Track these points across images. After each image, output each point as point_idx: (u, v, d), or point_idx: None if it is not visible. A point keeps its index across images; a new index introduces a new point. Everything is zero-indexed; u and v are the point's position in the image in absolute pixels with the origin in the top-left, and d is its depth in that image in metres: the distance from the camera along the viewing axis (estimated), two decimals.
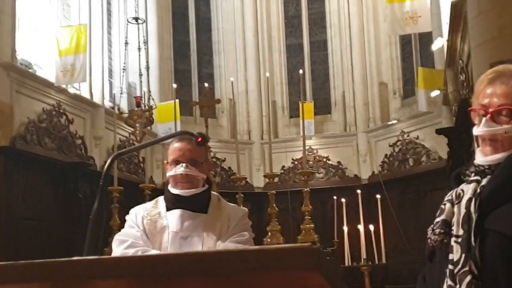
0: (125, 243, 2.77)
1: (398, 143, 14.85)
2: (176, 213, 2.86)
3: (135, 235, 2.83)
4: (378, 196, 7.67)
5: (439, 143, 12.73)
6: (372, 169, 15.39)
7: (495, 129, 1.76)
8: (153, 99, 12.49)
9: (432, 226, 1.82)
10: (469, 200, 1.73)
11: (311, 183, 13.94)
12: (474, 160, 1.85)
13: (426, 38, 14.16)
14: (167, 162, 2.93)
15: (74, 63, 11.02)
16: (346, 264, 6.91)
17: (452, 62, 10.74)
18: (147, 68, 13.75)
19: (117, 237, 2.84)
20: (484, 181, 1.75)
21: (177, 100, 11.03)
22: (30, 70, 11.30)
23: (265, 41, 16.88)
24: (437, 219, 1.80)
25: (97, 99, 12.98)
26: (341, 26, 16.56)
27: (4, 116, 9.97)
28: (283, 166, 15.58)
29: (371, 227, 6.97)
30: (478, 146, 1.86)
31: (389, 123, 15.50)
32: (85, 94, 12.82)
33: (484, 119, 1.78)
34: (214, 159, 14.50)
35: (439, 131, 11.22)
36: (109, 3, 14.65)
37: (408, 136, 14.67)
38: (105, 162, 12.47)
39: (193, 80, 16.55)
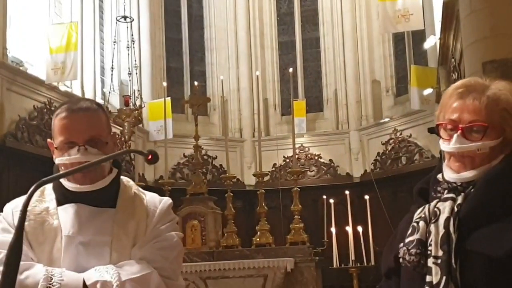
0: None
1: (391, 141, 14.84)
2: (70, 209, 2.00)
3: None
4: (366, 197, 7.64)
5: (432, 142, 12.73)
6: (364, 167, 15.37)
7: (468, 146, 1.69)
8: (141, 98, 12.43)
9: (404, 245, 1.72)
10: (447, 219, 1.65)
11: (303, 181, 13.98)
12: (439, 175, 1.80)
13: (419, 36, 14.15)
14: (55, 147, 2.03)
15: (65, 61, 10.98)
16: (335, 265, 6.89)
17: (444, 60, 10.74)
18: (136, 67, 13.71)
19: None
20: (459, 199, 1.68)
21: (168, 98, 11.04)
22: (21, 68, 11.24)
23: (257, 39, 16.84)
24: (410, 238, 1.70)
25: (88, 96, 12.90)
26: (334, 24, 16.53)
27: None
28: (275, 164, 15.56)
29: (360, 228, 6.94)
30: (444, 160, 1.82)
31: (382, 121, 15.49)
32: (77, 91, 12.76)
33: (455, 135, 1.71)
34: (205, 157, 14.46)
35: (431, 130, 11.19)
36: (101, 1, 14.58)
37: (401, 134, 14.67)
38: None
39: (185, 78, 16.51)
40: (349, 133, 15.93)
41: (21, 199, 1.93)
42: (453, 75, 9.46)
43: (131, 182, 2.16)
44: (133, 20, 14.13)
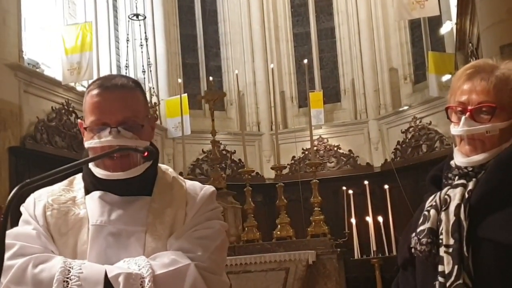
0: (10, 250, 1.69)
1: (411, 129, 14.69)
2: (99, 196, 1.82)
3: (27, 234, 1.76)
4: (386, 186, 7.56)
5: None
6: (384, 156, 15.24)
7: (476, 129, 1.64)
8: (157, 95, 12.43)
9: (415, 234, 1.68)
10: (458, 206, 1.61)
11: (323, 172, 13.93)
12: (451, 160, 1.75)
13: (435, 22, 13.99)
14: (84, 127, 1.84)
15: (80, 61, 11.01)
16: (356, 256, 6.84)
17: (462, 45, 10.60)
18: (149, 64, 13.75)
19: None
20: (470, 185, 1.63)
21: (184, 95, 11.04)
22: (37, 70, 11.30)
23: (271, 31, 16.76)
24: (422, 227, 1.66)
25: None
26: (349, 13, 16.40)
27: (13, 116, 9.98)
28: (294, 157, 15.48)
29: (380, 219, 6.87)
30: (455, 145, 1.76)
31: (401, 109, 15.35)
32: None
33: (463, 117, 1.67)
34: (224, 152, 14.45)
35: None
36: (114, 0, 14.62)
37: (420, 122, 14.50)
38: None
39: (201, 74, 16.49)
40: (368, 122, 15.80)
41: (46, 190, 1.89)
42: (471, 60, 9.33)
43: (170, 170, 1.97)
44: (145, 17, 14.18)
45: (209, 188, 1.93)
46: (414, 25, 15.43)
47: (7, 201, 1.40)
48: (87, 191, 1.86)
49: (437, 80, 12.55)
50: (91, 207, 1.82)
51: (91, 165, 1.83)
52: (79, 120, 1.91)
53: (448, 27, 12.45)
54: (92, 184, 1.85)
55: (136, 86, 1.89)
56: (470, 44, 9.17)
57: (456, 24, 10.26)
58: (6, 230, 1.38)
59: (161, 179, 1.90)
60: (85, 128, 1.83)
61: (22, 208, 1.87)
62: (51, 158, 10.44)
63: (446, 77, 12.36)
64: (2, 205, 9.05)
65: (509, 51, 6.00)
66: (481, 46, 7.13)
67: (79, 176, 1.92)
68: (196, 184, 1.95)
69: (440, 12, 12.18)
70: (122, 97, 1.81)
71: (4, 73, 9.86)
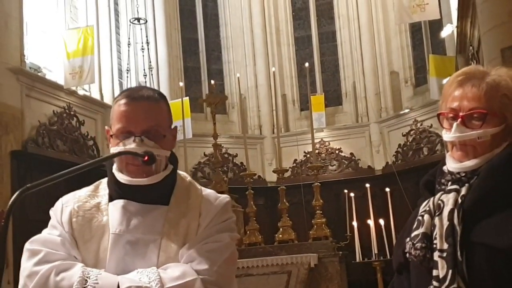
0: (36, 256, 1.80)
1: (412, 132, 14.71)
2: (120, 205, 1.90)
3: (53, 241, 1.85)
4: (387, 189, 7.57)
5: None
6: (386, 159, 15.25)
7: (467, 135, 1.66)
8: None
9: (410, 239, 1.69)
10: (451, 211, 1.62)
11: (324, 175, 13.95)
12: (443, 166, 1.76)
13: (436, 25, 14.01)
14: (111, 135, 1.93)
15: (82, 65, 11.04)
16: (357, 259, 6.85)
17: (462, 48, 10.61)
18: (150, 68, 13.77)
19: (29, 245, 1.84)
20: (463, 190, 1.65)
21: (186, 98, 11.06)
22: (39, 74, 11.33)
23: (273, 35, 16.79)
24: (416, 232, 1.68)
25: (107, 99, 12.99)
26: (350, 16, 16.42)
27: (15, 120, 10.00)
28: (295, 160, 15.50)
29: (381, 221, 6.87)
30: (447, 151, 1.77)
31: (402, 112, 15.36)
32: (95, 95, 12.84)
33: (455, 124, 1.69)
34: (226, 155, 14.46)
35: None
36: (116, 4, 14.64)
37: (421, 124, 14.52)
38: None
39: (203, 77, 16.52)
40: (369, 125, 15.81)
41: (73, 195, 1.99)
42: (472, 63, 9.34)
43: (189, 178, 2.03)
44: (146, 21, 14.21)
45: (224, 199, 1.98)
46: (415, 28, 15.45)
47: (8, 206, 1.45)
48: (111, 197, 1.94)
49: (438, 83, 12.56)
50: (113, 215, 1.90)
51: (115, 171, 1.92)
52: (106, 127, 2.00)
53: (448, 30, 12.46)
54: (115, 191, 1.93)
55: (160, 98, 1.97)
56: (471, 47, 9.18)
57: (457, 27, 10.28)
58: (7, 234, 1.44)
59: (179, 188, 1.97)
60: (111, 136, 1.92)
61: (51, 212, 1.98)
62: (53, 162, 10.47)
63: (446, 80, 12.34)
64: (4, 209, 9.07)
65: (510, 54, 6.01)
66: (482, 49, 7.14)
67: (104, 181, 2.01)
68: (212, 194, 2.00)
69: (441, 15, 12.20)
70: (147, 107, 1.90)
71: (6, 77, 9.89)
